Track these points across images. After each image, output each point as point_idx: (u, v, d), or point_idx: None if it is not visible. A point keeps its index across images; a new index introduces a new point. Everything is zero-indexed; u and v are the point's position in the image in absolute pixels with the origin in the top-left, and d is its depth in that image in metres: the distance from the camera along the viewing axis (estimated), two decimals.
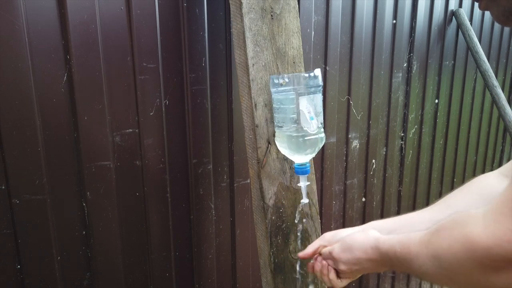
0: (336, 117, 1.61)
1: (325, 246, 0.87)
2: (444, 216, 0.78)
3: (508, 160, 2.81)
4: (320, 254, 0.88)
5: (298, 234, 1.12)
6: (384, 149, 1.91)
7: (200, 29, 1.14)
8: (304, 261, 1.05)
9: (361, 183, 1.83)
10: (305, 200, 1.02)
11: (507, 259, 0.48)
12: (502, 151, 2.79)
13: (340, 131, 1.65)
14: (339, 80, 1.58)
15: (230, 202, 1.33)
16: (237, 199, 1.33)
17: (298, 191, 1.10)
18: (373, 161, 1.86)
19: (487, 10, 0.59)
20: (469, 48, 2.11)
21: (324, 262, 0.86)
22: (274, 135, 1.04)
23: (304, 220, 1.12)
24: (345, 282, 0.84)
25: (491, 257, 0.49)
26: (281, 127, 1.00)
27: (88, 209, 1.05)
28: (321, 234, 1.18)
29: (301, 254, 0.91)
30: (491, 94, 2.14)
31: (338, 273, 0.84)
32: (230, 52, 1.21)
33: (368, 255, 0.74)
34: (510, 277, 0.49)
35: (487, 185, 0.79)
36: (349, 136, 1.69)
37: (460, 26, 2.09)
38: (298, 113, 0.95)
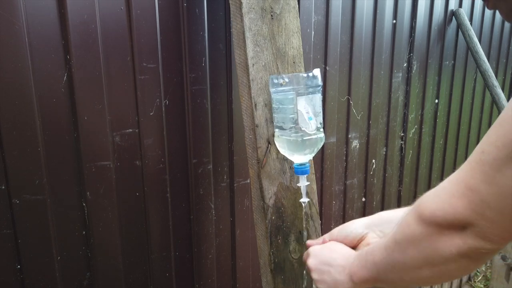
0: (336, 117, 1.61)
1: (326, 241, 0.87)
2: None
3: None
4: None
5: (305, 233, 1.12)
6: (384, 149, 1.91)
7: (200, 29, 1.14)
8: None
9: (361, 183, 1.83)
10: (304, 200, 1.02)
11: (449, 222, 0.51)
12: None
13: (340, 131, 1.65)
14: (339, 80, 1.58)
15: (230, 202, 1.33)
16: (237, 199, 1.33)
17: (298, 191, 1.10)
18: (373, 161, 1.86)
19: (495, 9, 0.59)
20: (469, 48, 2.11)
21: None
22: (274, 135, 1.04)
23: (305, 221, 1.12)
24: None
25: (436, 220, 0.52)
26: (280, 127, 1.00)
27: (88, 209, 1.05)
28: (321, 234, 1.19)
29: (309, 241, 0.92)
30: (491, 94, 2.14)
31: None
32: (230, 52, 1.21)
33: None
34: (451, 238, 0.52)
35: None
36: (349, 136, 1.69)
37: (460, 26, 2.09)
38: (296, 113, 0.95)
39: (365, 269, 0.68)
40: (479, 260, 0.53)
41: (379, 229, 0.82)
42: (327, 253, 0.80)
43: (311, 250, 0.84)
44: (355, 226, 0.85)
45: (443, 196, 0.52)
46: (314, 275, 0.80)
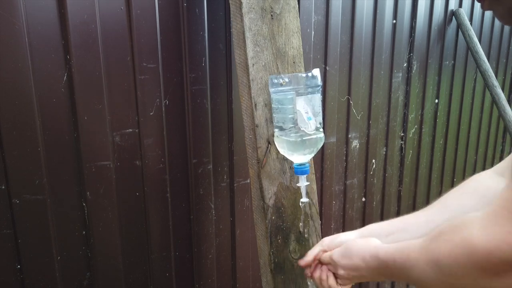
0: (336, 117, 1.61)
1: (325, 251, 0.87)
2: (440, 217, 0.78)
3: None
4: (319, 261, 0.87)
5: (306, 235, 1.12)
6: (384, 149, 1.91)
7: (200, 29, 1.14)
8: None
9: (361, 183, 1.83)
10: (304, 200, 1.02)
11: (508, 263, 0.47)
12: (502, 151, 2.79)
13: (340, 131, 1.65)
14: (339, 80, 1.58)
15: (230, 202, 1.33)
16: (237, 199, 1.33)
17: (298, 191, 1.10)
18: (373, 161, 1.86)
19: (490, 10, 0.58)
20: (469, 48, 2.11)
21: (324, 267, 0.85)
22: (273, 135, 1.04)
23: (302, 221, 1.12)
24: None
25: (492, 260, 0.48)
26: (280, 127, 1.00)
27: (88, 209, 1.05)
28: (321, 234, 1.19)
29: (302, 262, 0.90)
30: (491, 94, 2.14)
31: (337, 279, 0.83)
32: (230, 52, 1.21)
33: (367, 263, 0.73)
34: (510, 281, 0.48)
35: (481, 185, 0.79)
36: (349, 136, 1.69)
37: (460, 26, 2.09)
38: (296, 113, 0.95)
39: (391, 260, 0.67)
40: None
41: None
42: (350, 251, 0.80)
43: (333, 253, 0.83)
44: (347, 236, 0.86)
45: (497, 233, 0.48)
46: (341, 271, 0.79)
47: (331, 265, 0.83)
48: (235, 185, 1.32)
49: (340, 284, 0.83)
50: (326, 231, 1.70)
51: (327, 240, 0.88)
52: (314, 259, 0.88)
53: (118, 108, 1.05)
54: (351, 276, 0.78)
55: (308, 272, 0.89)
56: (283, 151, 1.02)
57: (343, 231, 1.78)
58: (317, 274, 0.86)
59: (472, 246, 0.50)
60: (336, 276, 0.83)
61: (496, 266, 0.48)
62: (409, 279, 0.64)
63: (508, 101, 2.57)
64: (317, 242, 1.16)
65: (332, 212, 1.71)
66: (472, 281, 0.52)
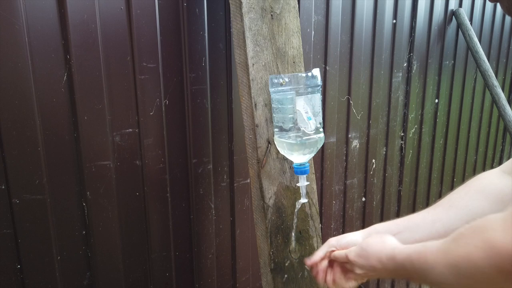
0: (336, 117, 1.61)
1: (332, 251, 0.85)
2: (446, 217, 0.77)
3: (508, 159, 2.81)
4: (330, 259, 0.86)
5: (306, 235, 1.12)
6: (384, 149, 1.91)
7: (200, 29, 1.14)
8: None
9: (361, 182, 1.83)
10: (303, 200, 1.02)
11: None
12: (502, 151, 2.79)
13: (340, 131, 1.65)
14: (339, 79, 1.58)
15: (230, 202, 1.33)
16: (237, 199, 1.33)
17: (298, 191, 1.10)
18: (373, 160, 1.86)
19: (496, 2, 0.58)
20: (469, 48, 2.11)
21: (336, 268, 0.84)
22: (273, 135, 1.04)
23: (296, 220, 1.12)
24: (354, 283, 0.83)
25: None
26: (280, 127, 1.00)
27: (88, 209, 1.05)
28: (321, 234, 1.19)
29: (309, 262, 0.88)
30: (491, 94, 2.14)
31: (346, 275, 0.82)
32: (230, 52, 1.21)
33: (384, 264, 0.72)
34: None
35: (489, 183, 0.78)
36: (349, 135, 1.69)
37: (460, 26, 2.09)
38: (296, 113, 0.95)
39: (408, 261, 0.65)
40: None
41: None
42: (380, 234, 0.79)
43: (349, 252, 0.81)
44: (353, 236, 0.85)
45: None
46: (358, 270, 0.78)
47: (347, 263, 0.81)
48: (235, 185, 1.32)
49: (351, 279, 0.82)
50: (326, 231, 1.70)
51: (333, 241, 0.87)
52: (322, 259, 0.87)
53: (118, 108, 1.05)
54: (369, 275, 0.77)
55: (315, 272, 0.88)
56: (283, 151, 1.02)
57: (343, 231, 1.78)
58: (328, 277, 0.85)
59: (493, 248, 0.49)
60: (351, 273, 0.81)
61: None
62: (426, 281, 0.63)
63: (508, 101, 2.57)
64: (317, 242, 1.16)
65: (332, 212, 1.71)
66: (493, 283, 0.51)
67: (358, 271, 0.78)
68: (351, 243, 0.82)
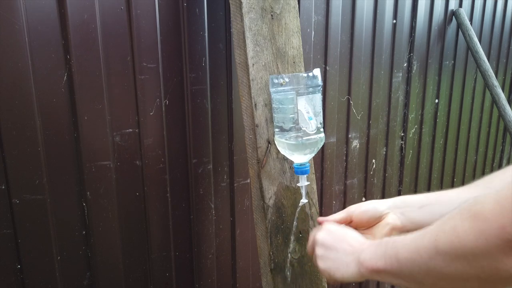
0: (336, 117, 1.61)
1: (351, 221, 0.82)
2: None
3: (508, 160, 2.82)
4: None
5: (294, 235, 1.11)
6: (384, 149, 1.91)
7: (200, 29, 1.14)
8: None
9: (361, 183, 1.83)
10: (304, 200, 1.02)
11: None
12: (502, 151, 2.79)
13: (340, 131, 1.65)
14: (339, 80, 1.58)
15: (230, 202, 1.33)
16: (237, 199, 1.33)
17: (298, 191, 1.10)
18: (373, 161, 1.86)
19: None
20: (469, 48, 2.11)
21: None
22: (274, 135, 1.04)
23: (296, 221, 1.12)
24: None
25: (505, 237, 0.43)
26: (280, 127, 1.00)
27: (88, 209, 1.05)
28: None
29: (321, 219, 0.84)
30: (491, 94, 2.14)
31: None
32: (230, 52, 1.21)
33: (350, 279, 0.68)
34: None
35: None
36: (349, 136, 1.69)
37: (460, 26, 2.09)
38: (296, 113, 0.95)
39: (382, 261, 0.60)
40: None
41: (401, 211, 0.79)
42: (341, 232, 0.74)
43: (326, 225, 0.78)
44: (376, 204, 0.81)
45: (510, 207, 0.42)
46: (319, 250, 0.74)
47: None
48: (235, 185, 1.32)
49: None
50: None
51: (353, 208, 0.83)
52: (337, 221, 0.82)
53: (118, 108, 1.05)
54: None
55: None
56: (284, 151, 1.02)
57: None
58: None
59: (483, 221, 0.45)
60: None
61: (508, 243, 0.43)
62: (415, 273, 0.56)
63: (508, 101, 2.57)
64: None
65: (332, 212, 1.71)
66: (477, 264, 0.47)
67: (319, 251, 0.75)
68: (371, 211, 0.80)
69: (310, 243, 0.79)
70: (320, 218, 0.86)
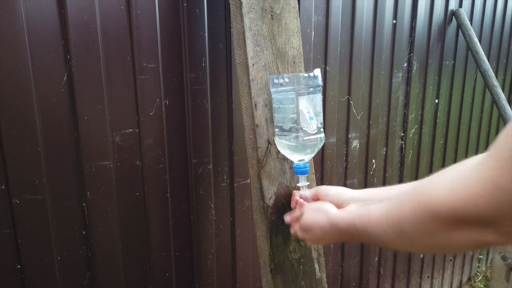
0: (336, 117, 1.61)
1: (317, 199, 0.94)
2: None
3: None
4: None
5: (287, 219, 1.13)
6: (384, 149, 1.91)
7: (200, 29, 1.14)
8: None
9: (361, 183, 1.83)
10: (302, 184, 1.03)
11: (470, 219, 0.50)
12: None
13: (340, 131, 1.65)
14: (339, 80, 1.58)
15: (230, 202, 1.33)
16: (237, 199, 1.33)
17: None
18: (373, 161, 1.86)
19: None
20: (469, 48, 2.11)
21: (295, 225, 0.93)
22: (274, 135, 1.04)
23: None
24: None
25: (455, 217, 0.51)
26: (280, 127, 1.00)
27: (88, 209, 1.05)
28: None
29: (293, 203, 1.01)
30: (491, 94, 2.14)
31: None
32: (230, 52, 1.21)
33: (328, 233, 0.80)
34: (468, 232, 0.52)
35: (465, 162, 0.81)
36: (349, 136, 1.69)
37: (460, 26, 2.09)
38: (297, 113, 0.95)
39: (356, 218, 0.71)
40: (488, 247, 0.55)
41: (361, 204, 0.85)
42: (320, 203, 0.87)
43: (307, 205, 0.91)
44: (340, 193, 0.92)
45: (464, 193, 0.50)
46: (302, 234, 0.88)
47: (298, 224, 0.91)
48: (235, 185, 1.32)
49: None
50: None
51: (323, 189, 0.97)
52: (297, 201, 0.99)
53: (118, 108, 1.05)
54: (319, 243, 0.89)
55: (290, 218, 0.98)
56: (284, 151, 1.02)
57: None
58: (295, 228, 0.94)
59: (437, 203, 0.53)
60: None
61: (457, 221, 0.52)
62: (375, 243, 0.70)
63: (508, 101, 2.57)
64: None
65: None
66: (433, 236, 0.55)
67: (308, 242, 0.89)
68: (334, 197, 0.91)
69: (293, 230, 0.94)
70: (293, 202, 1.02)
